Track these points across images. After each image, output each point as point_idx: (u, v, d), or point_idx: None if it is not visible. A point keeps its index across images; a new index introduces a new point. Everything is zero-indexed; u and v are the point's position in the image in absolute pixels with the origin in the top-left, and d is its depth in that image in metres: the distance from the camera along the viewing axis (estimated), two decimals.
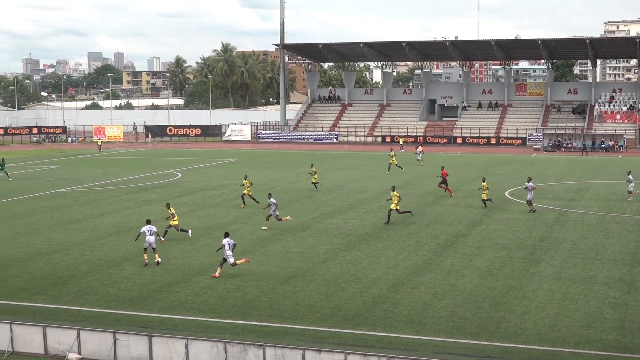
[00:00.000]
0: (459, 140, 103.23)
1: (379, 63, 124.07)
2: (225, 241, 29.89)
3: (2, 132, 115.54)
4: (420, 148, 76.48)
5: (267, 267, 31.39)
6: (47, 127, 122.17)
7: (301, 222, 41.93)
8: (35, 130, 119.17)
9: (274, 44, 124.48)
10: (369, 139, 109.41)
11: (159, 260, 32.03)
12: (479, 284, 28.50)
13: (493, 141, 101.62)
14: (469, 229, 39.72)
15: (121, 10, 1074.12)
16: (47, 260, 32.91)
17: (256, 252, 34.24)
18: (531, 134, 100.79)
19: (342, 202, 49.16)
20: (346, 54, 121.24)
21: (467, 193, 51.77)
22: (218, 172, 67.53)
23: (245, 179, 48.43)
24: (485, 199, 46.57)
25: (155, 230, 32.63)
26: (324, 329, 23.60)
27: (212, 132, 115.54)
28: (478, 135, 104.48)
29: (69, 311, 25.58)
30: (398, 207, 41.41)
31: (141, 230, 32.35)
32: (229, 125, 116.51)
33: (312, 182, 55.45)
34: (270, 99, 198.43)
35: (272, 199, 40.25)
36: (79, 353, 21.72)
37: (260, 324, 24.15)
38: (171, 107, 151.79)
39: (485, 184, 46.92)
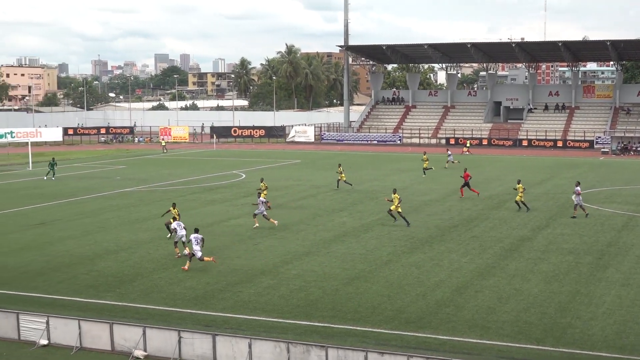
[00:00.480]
0: (525, 143, 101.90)
1: (444, 65, 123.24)
2: (192, 236, 30.95)
3: (72, 132, 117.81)
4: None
5: (330, 268, 31.45)
6: (114, 128, 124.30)
7: (364, 223, 41.91)
8: (103, 131, 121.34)
9: (338, 46, 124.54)
10: (433, 140, 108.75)
11: (186, 253, 32.68)
12: (545, 289, 28.09)
13: (560, 144, 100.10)
14: (534, 232, 39.19)
15: (189, 13, 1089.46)
16: (114, 259, 33.49)
17: (319, 253, 34.34)
18: (599, 137, 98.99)
19: (405, 205, 48.73)
20: (410, 55, 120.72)
21: (533, 197, 51.06)
22: (281, 173, 67.83)
23: (261, 182, 48.99)
24: (520, 200, 45.99)
25: (184, 226, 33.83)
26: (387, 331, 23.53)
27: (276, 133, 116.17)
28: (544, 137, 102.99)
29: (135, 309, 25.98)
30: (399, 210, 40.91)
31: (172, 227, 34.92)
32: (292, 126, 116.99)
33: (344, 181, 56.08)
34: (334, 101, 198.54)
35: (261, 198, 40.96)
36: (145, 350, 22.03)
37: (322, 325, 24.19)
38: (236, 109, 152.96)
39: (520, 185, 46.38)
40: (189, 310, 25.73)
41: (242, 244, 36.53)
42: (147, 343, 22.03)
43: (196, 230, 31.31)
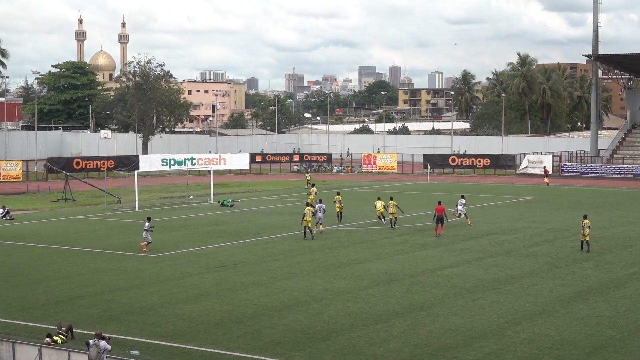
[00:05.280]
0: None
1: None
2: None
3: (260, 160, 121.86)
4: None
5: (569, 333, 30.69)
6: (309, 155, 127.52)
7: (614, 278, 40.65)
8: (296, 158, 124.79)
9: (585, 55, 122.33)
10: None
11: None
12: None
13: None
14: None
15: (403, 17, 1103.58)
16: (305, 311, 34.20)
17: (556, 313, 33.60)
18: None
19: None
20: None
21: None
22: (510, 213, 66.99)
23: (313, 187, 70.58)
24: None
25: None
26: None
27: (503, 163, 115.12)
28: None
29: None
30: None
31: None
32: (524, 155, 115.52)
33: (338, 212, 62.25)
34: (578, 124, 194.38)
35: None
36: None
37: None
38: (455, 132, 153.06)
39: None
40: None
41: (459, 298, 36.34)
42: None
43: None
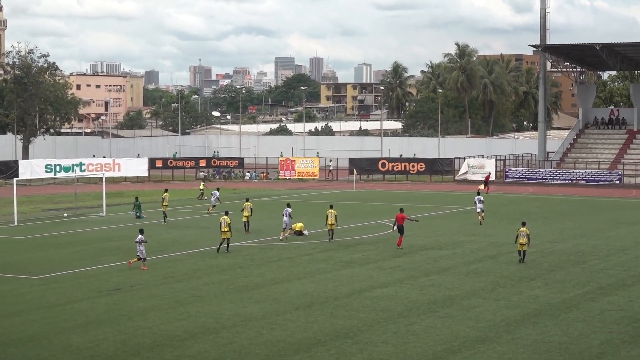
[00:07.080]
0: None
1: None
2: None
3: (161, 165, 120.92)
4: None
5: None
6: (218, 159, 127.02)
7: (565, 298, 41.13)
8: (202, 163, 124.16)
9: (531, 45, 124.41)
10: None
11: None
12: None
13: None
14: None
15: (325, 2, 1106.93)
16: (212, 340, 33.96)
17: (500, 339, 33.85)
18: None
19: (626, 272, 47.75)
20: (636, 58, 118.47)
21: None
22: (448, 225, 67.44)
23: (165, 192, 71.05)
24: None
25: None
26: None
27: (440, 167, 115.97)
28: None
29: None
30: None
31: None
32: (464, 159, 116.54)
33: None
34: (524, 123, 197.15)
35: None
36: None
37: None
38: (385, 133, 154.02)
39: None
40: None
41: (391, 323, 36.42)
42: None
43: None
